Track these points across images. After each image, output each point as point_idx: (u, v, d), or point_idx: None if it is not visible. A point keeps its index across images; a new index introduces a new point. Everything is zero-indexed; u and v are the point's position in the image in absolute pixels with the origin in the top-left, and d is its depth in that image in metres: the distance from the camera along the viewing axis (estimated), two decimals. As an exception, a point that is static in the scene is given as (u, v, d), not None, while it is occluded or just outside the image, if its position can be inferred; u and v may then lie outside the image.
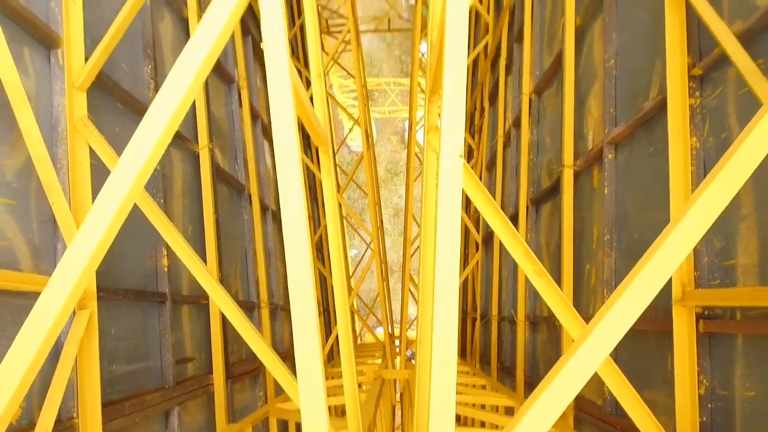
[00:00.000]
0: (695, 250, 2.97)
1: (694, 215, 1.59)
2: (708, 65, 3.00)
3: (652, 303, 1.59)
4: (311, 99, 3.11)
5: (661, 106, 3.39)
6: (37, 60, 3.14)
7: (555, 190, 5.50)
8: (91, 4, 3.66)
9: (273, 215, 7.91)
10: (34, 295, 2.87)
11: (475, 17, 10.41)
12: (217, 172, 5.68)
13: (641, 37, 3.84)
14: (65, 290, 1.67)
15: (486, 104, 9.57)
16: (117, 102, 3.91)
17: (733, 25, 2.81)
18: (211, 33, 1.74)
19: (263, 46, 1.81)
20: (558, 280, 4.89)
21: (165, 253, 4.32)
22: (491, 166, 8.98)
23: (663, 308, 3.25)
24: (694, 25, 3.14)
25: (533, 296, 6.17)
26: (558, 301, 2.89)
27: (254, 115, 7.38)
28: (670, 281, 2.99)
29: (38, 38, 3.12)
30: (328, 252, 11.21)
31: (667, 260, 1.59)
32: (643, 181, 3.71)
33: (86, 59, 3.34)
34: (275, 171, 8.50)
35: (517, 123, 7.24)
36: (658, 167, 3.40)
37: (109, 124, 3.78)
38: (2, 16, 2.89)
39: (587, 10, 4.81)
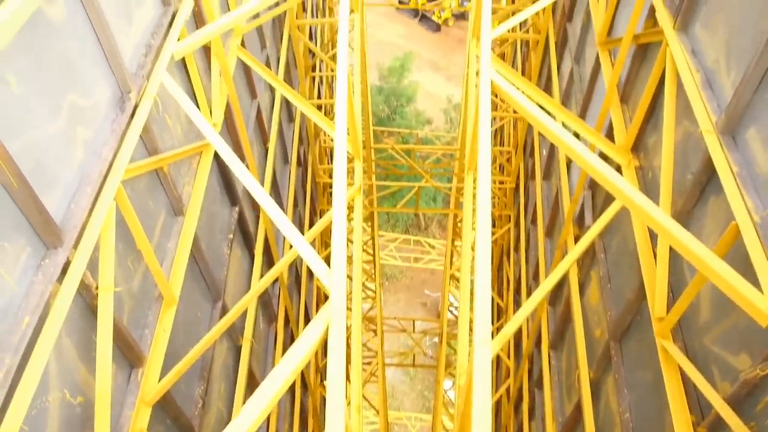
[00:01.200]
0: None
1: None
2: (710, 424, 3.30)
3: None
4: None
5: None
6: (120, 376, 3.66)
7: None
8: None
9: None
10: None
11: (497, 361, 11.10)
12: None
13: (649, 393, 4.24)
14: None
15: (511, 448, 9.40)
16: (168, 418, 4.25)
17: (722, 386, 3.22)
18: (272, 389, 2.26)
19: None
20: None
21: None
22: None
23: None
24: (692, 385, 3.55)
25: None
26: None
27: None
28: None
29: (128, 357, 3.70)
30: None
31: None
32: None
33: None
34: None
35: (543, 471, 7.07)
36: None
37: (156, 438, 4.05)
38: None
39: (599, 365, 5.34)
